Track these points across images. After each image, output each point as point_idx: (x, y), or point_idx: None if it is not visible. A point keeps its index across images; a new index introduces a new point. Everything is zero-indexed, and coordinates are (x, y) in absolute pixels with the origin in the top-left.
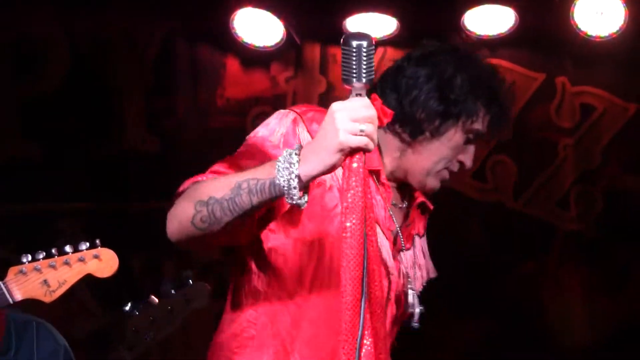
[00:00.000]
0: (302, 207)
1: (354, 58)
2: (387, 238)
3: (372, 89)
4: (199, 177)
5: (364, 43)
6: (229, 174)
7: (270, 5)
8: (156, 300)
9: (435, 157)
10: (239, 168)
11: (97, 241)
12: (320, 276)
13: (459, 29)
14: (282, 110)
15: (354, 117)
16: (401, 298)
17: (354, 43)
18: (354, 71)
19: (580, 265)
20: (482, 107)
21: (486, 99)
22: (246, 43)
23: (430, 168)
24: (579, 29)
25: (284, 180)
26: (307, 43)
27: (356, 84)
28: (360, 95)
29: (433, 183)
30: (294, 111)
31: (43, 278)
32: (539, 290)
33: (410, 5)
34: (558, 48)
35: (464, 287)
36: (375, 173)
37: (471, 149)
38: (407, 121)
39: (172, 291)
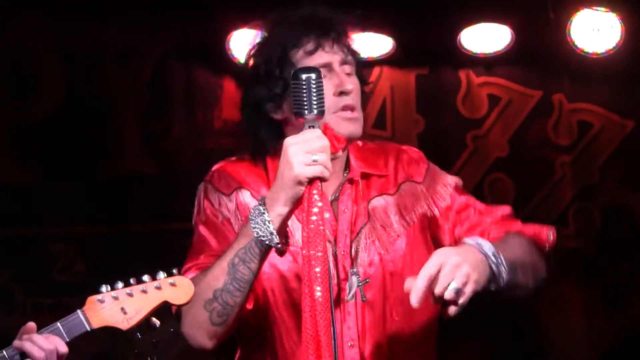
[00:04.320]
0: (285, 251)
1: (304, 90)
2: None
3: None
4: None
5: (313, 75)
6: (209, 262)
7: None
8: (158, 322)
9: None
10: (212, 255)
11: (174, 270)
12: (270, 287)
13: (455, 47)
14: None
15: (307, 149)
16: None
17: (303, 76)
18: (305, 103)
19: (579, 283)
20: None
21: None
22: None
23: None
24: (576, 46)
25: (262, 232)
26: None
27: (308, 116)
28: (312, 127)
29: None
30: (204, 181)
31: (120, 306)
32: (537, 308)
33: (406, 24)
34: (555, 65)
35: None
36: None
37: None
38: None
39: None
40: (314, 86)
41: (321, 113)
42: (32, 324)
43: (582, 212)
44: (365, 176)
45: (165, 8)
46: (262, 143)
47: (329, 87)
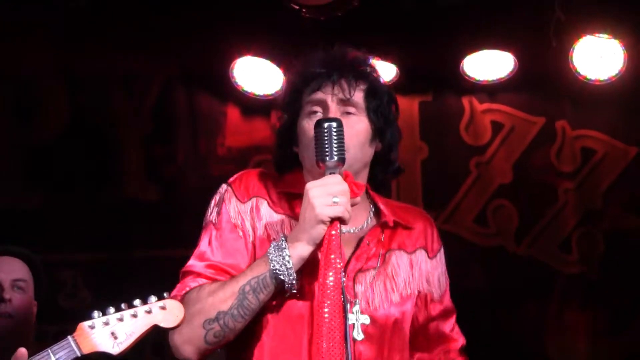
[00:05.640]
0: (294, 289)
1: (326, 138)
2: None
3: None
4: (187, 284)
5: (334, 124)
6: (216, 278)
7: (269, 54)
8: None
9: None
10: (219, 268)
11: (165, 294)
12: (273, 324)
13: (459, 74)
14: (221, 186)
15: (328, 191)
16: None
17: (325, 124)
18: (326, 150)
19: (583, 309)
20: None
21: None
22: (246, 91)
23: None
24: (578, 73)
25: (279, 266)
26: None
27: (329, 163)
28: (333, 173)
29: None
30: (226, 183)
31: (110, 330)
32: (541, 334)
33: (410, 51)
34: (557, 92)
35: (466, 332)
36: None
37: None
38: None
39: None
40: (335, 134)
41: (342, 160)
42: (22, 351)
43: (586, 238)
44: (393, 226)
45: (169, 35)
46: (282, 164)
47: None
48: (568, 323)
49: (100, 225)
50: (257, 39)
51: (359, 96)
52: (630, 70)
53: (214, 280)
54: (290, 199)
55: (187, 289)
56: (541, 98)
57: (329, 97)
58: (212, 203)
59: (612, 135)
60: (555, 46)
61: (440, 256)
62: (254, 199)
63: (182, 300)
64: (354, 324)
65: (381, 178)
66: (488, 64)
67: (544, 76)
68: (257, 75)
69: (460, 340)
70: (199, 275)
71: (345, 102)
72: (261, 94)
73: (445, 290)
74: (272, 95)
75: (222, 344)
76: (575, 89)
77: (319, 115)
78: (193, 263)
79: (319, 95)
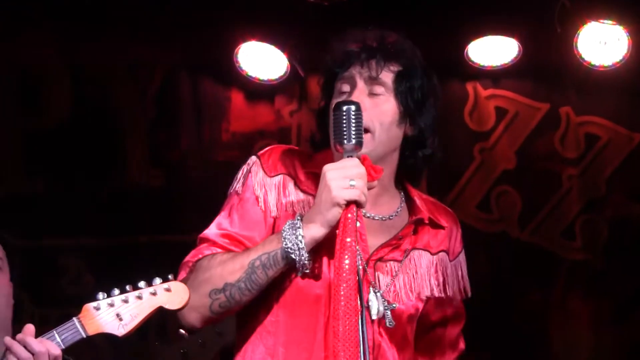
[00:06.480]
0: (306, 270)
1: (344, 121)
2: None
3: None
4: (201, 251)
5: (353, 107)
6: (230, 248)
7: (274, 39)
8: (186, 334)
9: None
10: (234, 239)
11: (170, 276)
12: (290, 301)
13: (463, 60)
14: (250, 158)
15: (345, 174)
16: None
17: (344, 107)
18: (344, 133)
19: (586, 296)
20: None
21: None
22: (250, 76)
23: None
24: (583, 59)
25: (291, 244)
26: (311, 76)
27: (347, 145)
28: (350, 156)
29: None
30: (255, 155)
31: (115, 312)
32: (545, 321)
33: (414, 37)
34: (562, 78)
35: (469, 318)
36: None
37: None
38: None
39: None
40: (353, 117)
41: (359, 144)
42: (30, 327)
43: (589, 224)
44: (427, 223)
45: (173, 21)
46: (316, 144)
47: None
48: (571, 311)
49: (104, 210)
50: (261, 24)
51: (388, 76)
52: (634, 56)
53: (228, 250)
54: (317, 178)
55: (200, 255)
56: (545, 84)
57: (357, 75)
58: (240, 173)
59: (616, 121)
60: (560, 32)
61: (460, 259)
62: (281, 176)
63: (194, 266)
64: (384, 311)
65: (411, 163)
66: (492, 50)
67: (548, 62)
68: (262, 60)
69: (461, 345)
70: (214, 243)
71: (373, 81)
72: (265, 79)
73: (460, 295)
74: (276, 80)
75: (226, 315)
76: (579, 75)
77: (347, 94)
78: (211, 231)
79: (348, 73)
